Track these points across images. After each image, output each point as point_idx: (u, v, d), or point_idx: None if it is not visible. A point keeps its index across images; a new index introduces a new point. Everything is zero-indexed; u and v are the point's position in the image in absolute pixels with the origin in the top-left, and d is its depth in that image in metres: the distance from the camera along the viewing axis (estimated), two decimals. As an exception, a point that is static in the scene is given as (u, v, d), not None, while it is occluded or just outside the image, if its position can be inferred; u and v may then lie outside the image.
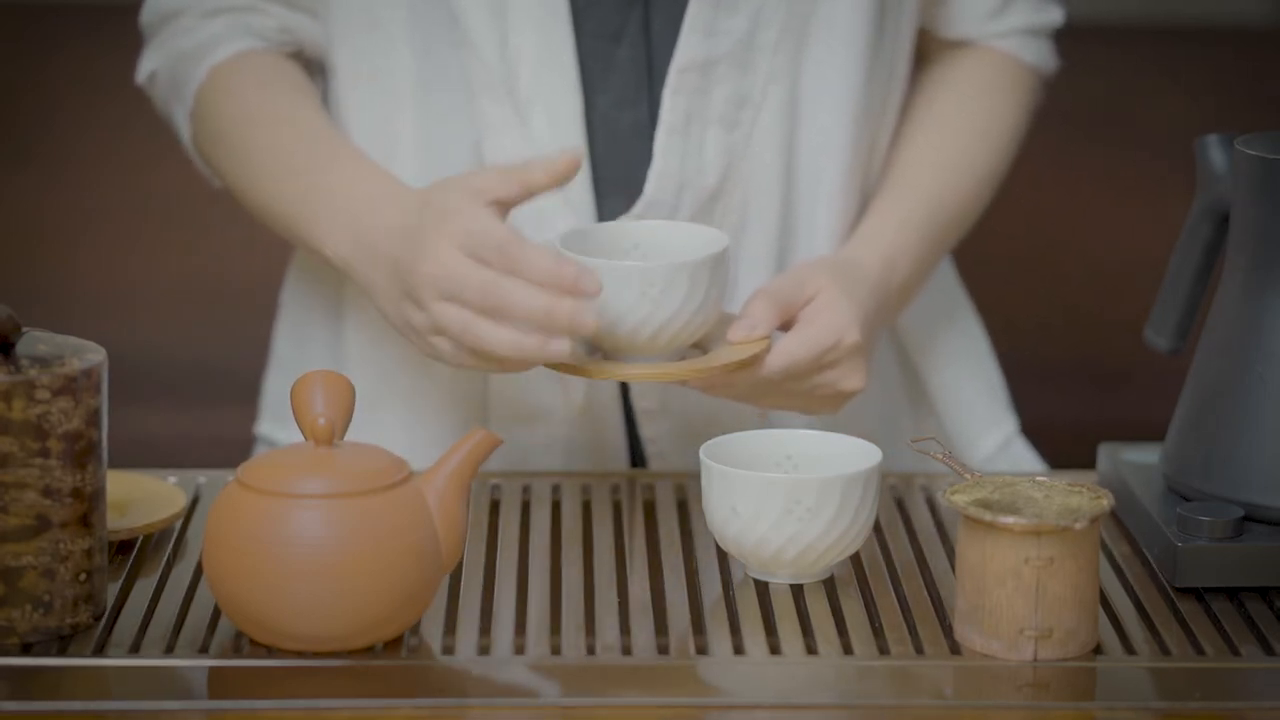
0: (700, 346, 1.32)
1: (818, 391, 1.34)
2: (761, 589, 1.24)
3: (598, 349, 1.31)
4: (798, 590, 1.24)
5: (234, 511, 1.16)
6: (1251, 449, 1.26)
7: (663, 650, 1.17)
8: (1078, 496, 1.17)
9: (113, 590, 1.23)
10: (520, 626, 1.19)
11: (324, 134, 1.40)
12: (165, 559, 1.28)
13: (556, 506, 1.36)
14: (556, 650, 1.17)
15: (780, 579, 1.24)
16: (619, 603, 1.22)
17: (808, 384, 1.33)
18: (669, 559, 1.29)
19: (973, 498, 1.16)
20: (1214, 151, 1.31)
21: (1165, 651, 1.17)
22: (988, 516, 1.14)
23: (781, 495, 1.21)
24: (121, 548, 1.28)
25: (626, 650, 1.17)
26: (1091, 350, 2.20)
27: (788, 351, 1.31)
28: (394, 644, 1.17)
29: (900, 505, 1.37)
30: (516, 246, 1.25)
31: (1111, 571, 1.27)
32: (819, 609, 1.22)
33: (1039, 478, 1.19)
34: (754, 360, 1.30)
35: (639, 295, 1.26)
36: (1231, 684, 1.14)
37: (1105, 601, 1.23)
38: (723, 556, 1.28)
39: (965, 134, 1.47)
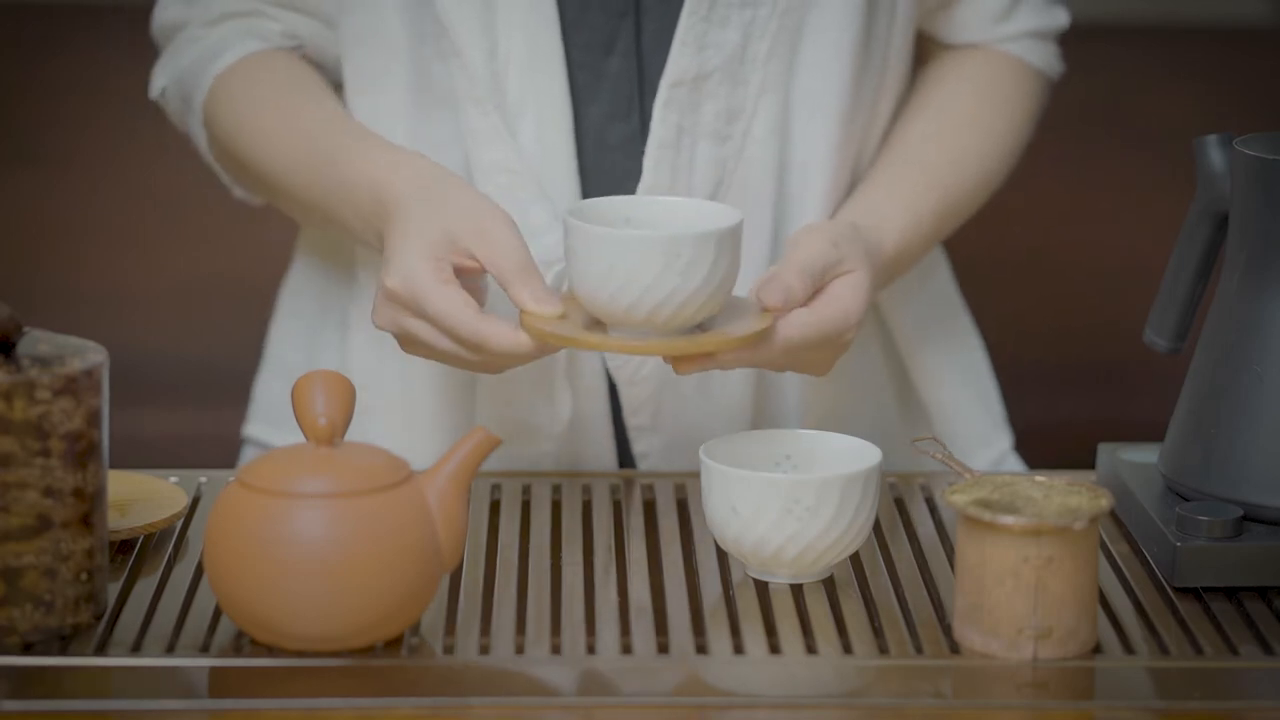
0: (702, 325, 1.27)
1: (800, 364, 1.31)
2: (761, 589, 1.24)
3: (599, 323, 1.26)
4: (797, 590, 1.24)
5: (234, 511, 1.16)
6: (1250, 448, 1.26)
7: (663, 650, 1.17)
8: (1077, 496, 1.17)
9: (114, 590, 1.23)
10: (520, 626, 1.19)
11: (338, 120, 1.39)
12: (166, 559, 1.28)
13: (556, 506, 1.37)
14: (556, 650, 1.17)
15: (780, 579, 1.24)
16: (619, 602, 1.22)
17: (798, 357, 1.30)
18: (669, 559, 1.29)
19: (972, 497, 1.17)
20: (1213, 151, 1.31)
21: (1164, 651, 1.17)
22: (987, 516, 1.14)
23: (781, 495, 1.21)
24: (122, 547, 1.28)
25: (626, 650, 1.17)
26: (1090, 350, 2.20)
27: (804, 324, 1.28)
28: (394, 644, 1.17)
29: (900, 505, 1.37)
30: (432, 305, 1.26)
31: (1111, 571, 1.27)
32: (818, 609, 1.22)
33: (1038, 477, 1.20)
34: (762, 335, 1.25)
35: (663, 267, 1.21)
36: (1230, 684, 1.14)
37: (1104, 601, 1.23)
38: (722, 556, 1.28)
39: (973, 126, 1.46)
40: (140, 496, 1.33)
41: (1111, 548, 1.30)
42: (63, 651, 1.16)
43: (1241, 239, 1.29)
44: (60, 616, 1.18)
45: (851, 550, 1.24)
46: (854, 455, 1.26)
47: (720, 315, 1.27)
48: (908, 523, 1.34)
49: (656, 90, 1.39)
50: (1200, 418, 1.29)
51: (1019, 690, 1.13)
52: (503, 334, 1.24)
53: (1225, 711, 1.11)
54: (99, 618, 1.19)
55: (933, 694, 1.13)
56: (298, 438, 1.21)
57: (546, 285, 1.25)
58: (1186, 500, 1.29)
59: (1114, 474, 1.36)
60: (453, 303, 1.24)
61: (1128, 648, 1.17)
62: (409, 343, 1.29)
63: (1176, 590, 1.24)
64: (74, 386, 1.16)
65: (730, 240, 1.23)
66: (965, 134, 1.45)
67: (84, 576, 1.18)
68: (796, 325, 1.28)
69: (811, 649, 1.17)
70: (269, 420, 1.55)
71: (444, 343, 1.26)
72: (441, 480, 1.17)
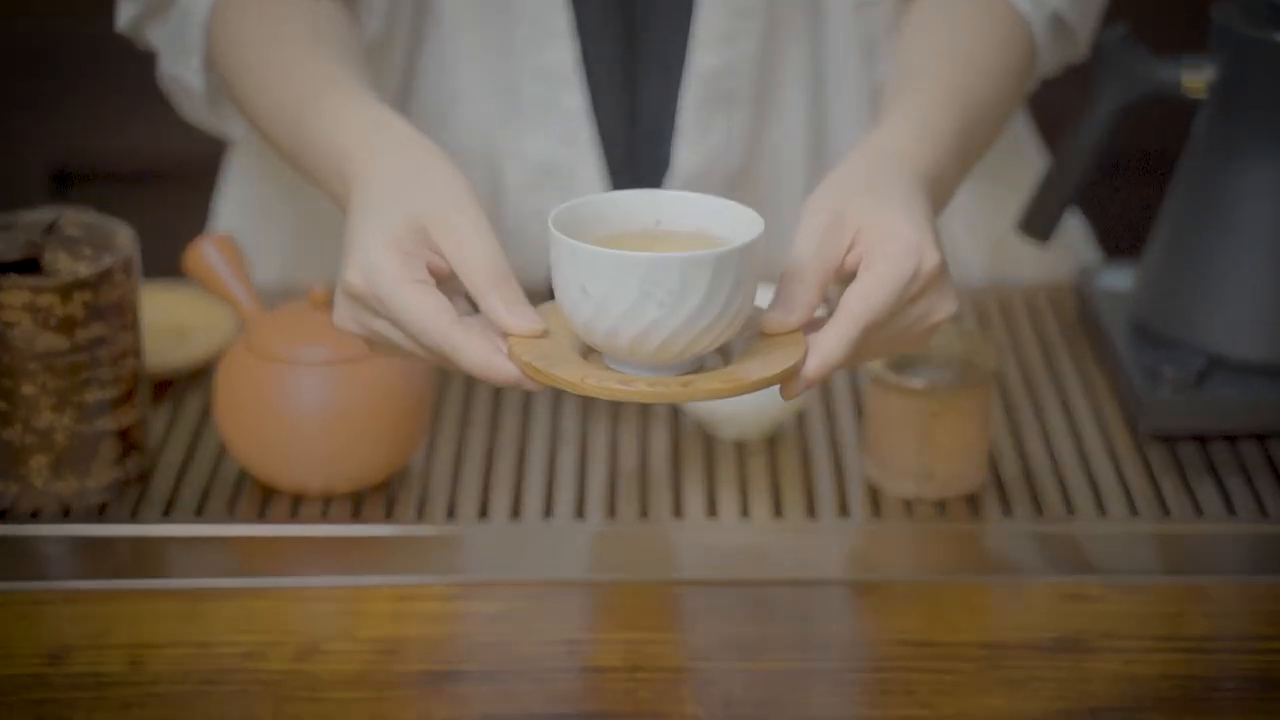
0: (723, 350, 1.06)
1: (908, 332, 1.08)
2: (708, 448, 1.30)
3: (592, 349, 1.06)
4: (742, 449, 1.30)
5: (242, 376, 1.24)
6: (1217, 297, 1.31)
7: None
8: (980, 353, 1.25)
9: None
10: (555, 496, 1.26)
11: (320, 68, 1.19)
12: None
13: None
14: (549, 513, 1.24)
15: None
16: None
17: (895, 328, 1.07)
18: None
19: None
20: (1118, 48, 1.32)
21: (1134, 510, 1.24)
22: (881, 374, 1.23)
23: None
24: (160, 387, 1.35)
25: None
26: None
27: (865, 296, 1.04)
28: (423, 514, 1.24)
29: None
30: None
31: (1086, 406, 1.33)
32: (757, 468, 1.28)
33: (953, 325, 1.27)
34: (790, 373, 1.03)
35: (641, 295, 1.00)
36: (1195, 550, 1.21)
37: (1079, 445, 1.29)
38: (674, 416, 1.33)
39: (978, 31, 1.26)
40: (198, 323, 1.40)
41: (1090, 376, 1.36)
42: (133, 515, 1.24)
43: (1222, 96, 1.31)
44: (139, 465, 1.27)
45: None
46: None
47: (747, 336, 1.06)
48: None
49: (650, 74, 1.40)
50: (1170, 263, 1.34)
51: (982, 560, 1.21)
52: (477, 350, 1.03)
53: (1191, 585, 1.17)
54: (148, 473, 1.28)
55: (898, 556, 1.21)
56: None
57: (524, 298, 1.05)
58: (1156, 337, 1.34)
59: (1088, 304, 1.41)
60: (423, 306, 1.04)
61: (1100, 506, 1.24)
62: (377, 345, 1.09)
63: (1146, 438, 1.30)
64: (132, 265, 1.24)
65: (732, 265, 1.01)
66: (974, 41, 1.25)
67: (142, 434, 1.27)
68: (861, 298, 1.05)
69: (748, 511, 1.24)
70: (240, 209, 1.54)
71: (417, 349, 1.07)
72: None
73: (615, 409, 1.34)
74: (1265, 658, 1.11)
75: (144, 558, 1.20)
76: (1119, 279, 1.42)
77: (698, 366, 1.04)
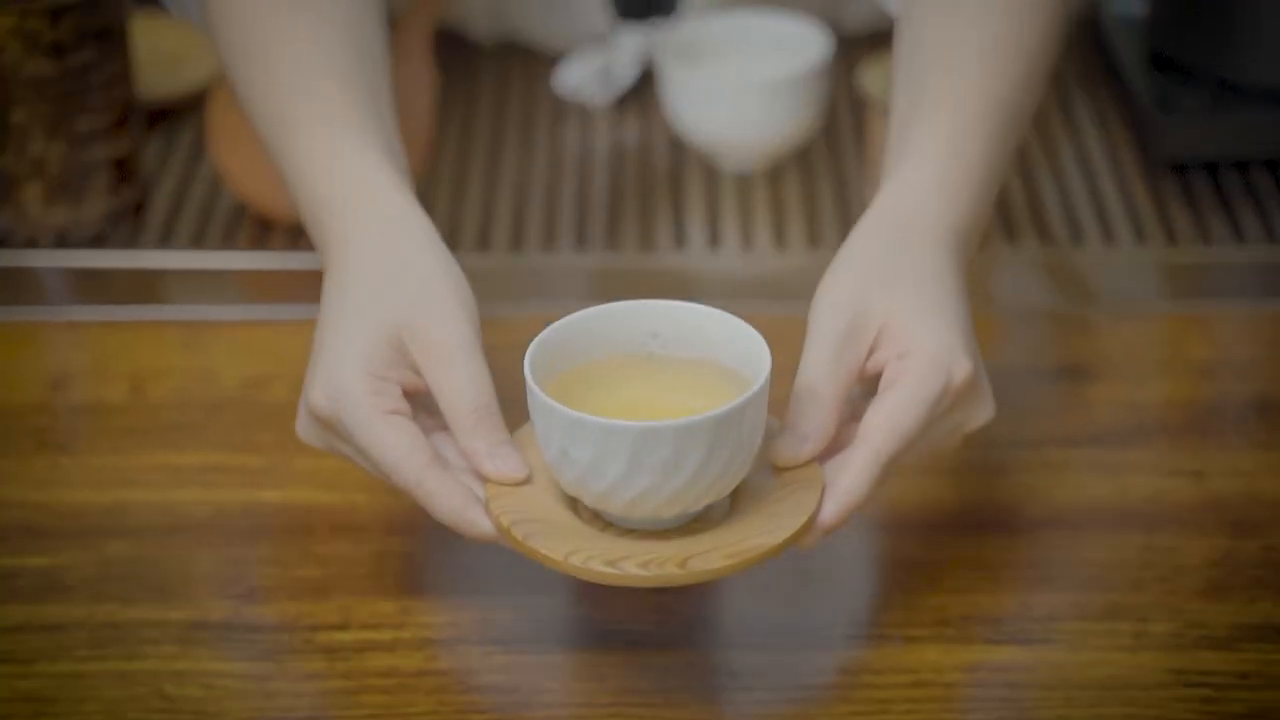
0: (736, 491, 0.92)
1: (937, 445, 0.93)
2: (709, 179, 1.28)
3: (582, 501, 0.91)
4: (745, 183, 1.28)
5: (236, 106, 1.22)
6: (1231, 21, 1.28)
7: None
8: None
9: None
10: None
11: (319, 84, 1.01)
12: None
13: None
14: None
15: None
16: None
17: (922, 444, 0.92)
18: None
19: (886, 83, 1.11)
20: None
21: (1140, 238, 1.23)
22: (880, 100, 1.18)
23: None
24: (153, 117, 1.33)
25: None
26: None
27: (890, 420, 0.90)
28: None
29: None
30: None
31: (1096, 135, 1.32)
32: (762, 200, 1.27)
33: None
34: (802, 532, 0.89)
35: (630, 465, 0.87)
36: (1202, 275, 1.21)
37: (1088, 176, 1.28)
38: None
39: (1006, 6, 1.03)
40: (188, 52, 1.38)
41: (1100, 108, 1.35)
42: (133, 242, 1.23)
43: None
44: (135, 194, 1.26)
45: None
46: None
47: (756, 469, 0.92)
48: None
49: None
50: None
51: (986, 288, 1.20)
52: (450, 501, 0.90)
53: (1196, 311, 1.17)
54: (142, 202, 1.26)
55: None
56: None
57: (510, 441, 0.92)
58: (1171, 64, 1.32)
59: (1099, 31, 1.38)
60: (396, 446, 0.91)
61: (1107, 234, 1.23)
62: (346, 462, 0.96)
63: (1158, 166, 1.29)
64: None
65: (733, 424, 0.87)
66: (1001, 18, 1.02)
67: (134, 161, 1.25)
68: (887, 430, 0.90)
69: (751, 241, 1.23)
70: None
71: (384, 480, 0.93)
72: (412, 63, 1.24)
73: (618, 129, 1.32)
74: (1267, 382, 1.11)
75: (143, 287, 1.20)
76: (1131, 4, 1.39)
77: (704, 513, 0.91)
